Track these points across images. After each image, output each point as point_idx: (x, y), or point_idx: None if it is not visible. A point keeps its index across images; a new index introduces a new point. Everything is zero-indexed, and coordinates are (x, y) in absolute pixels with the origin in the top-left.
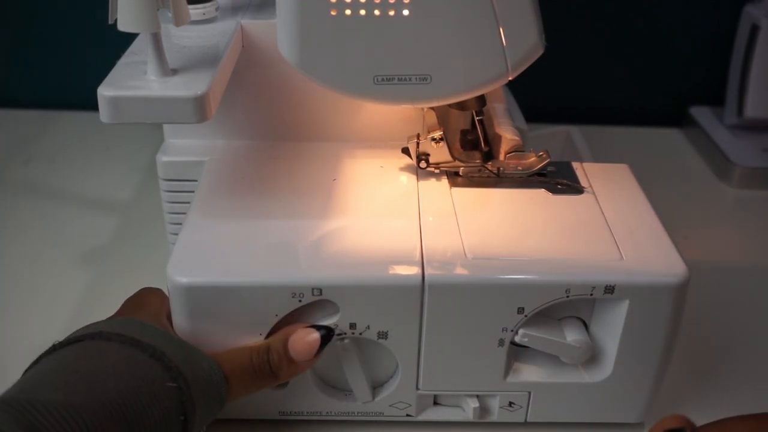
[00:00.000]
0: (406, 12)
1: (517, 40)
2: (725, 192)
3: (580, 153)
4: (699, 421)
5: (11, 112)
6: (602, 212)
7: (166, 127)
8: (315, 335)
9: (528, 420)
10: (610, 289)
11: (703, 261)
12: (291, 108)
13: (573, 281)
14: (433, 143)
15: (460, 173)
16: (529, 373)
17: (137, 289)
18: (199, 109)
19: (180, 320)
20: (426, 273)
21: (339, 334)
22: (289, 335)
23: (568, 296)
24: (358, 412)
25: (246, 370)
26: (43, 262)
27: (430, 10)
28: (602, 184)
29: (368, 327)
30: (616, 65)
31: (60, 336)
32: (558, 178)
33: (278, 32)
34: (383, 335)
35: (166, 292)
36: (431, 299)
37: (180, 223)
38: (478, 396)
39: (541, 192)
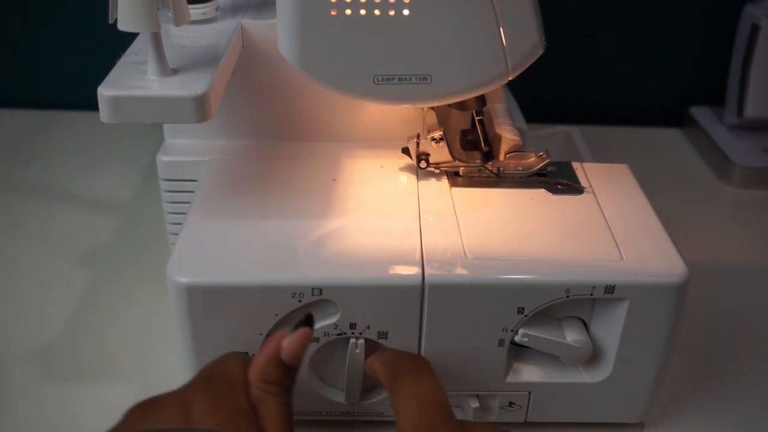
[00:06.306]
0: (406, 12)
1: (517, 40)
2: (725, 192)
3: (580, 153)
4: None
5: (11, 112)
6: (602, 212)
7: (166, 127)
8: (305, 330)
9: (528, 420)
10: (610, 289)
11: (703, 261)
12: (291, 108)
13: (573, 281)
14: (433, 143)
15: (460, 173)
16: (529, 373)
17: (137, 289)
18: (199, 109)
19: (180, 320)
20: (426, 273)
21: (339, 334)
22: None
23: (568, 296)
24: (357, 412)
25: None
26: (43, 262)
27: (430, 10)
28: (602, 184)
29: (368, 327)
30: (616, 65)
31: (59, 336)
32: (558, 178)
33: (278, 32)
34: (383, 335)
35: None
36: (431, 299)
37: (180, 223)
38: (478, 396)
39: (541, 192)
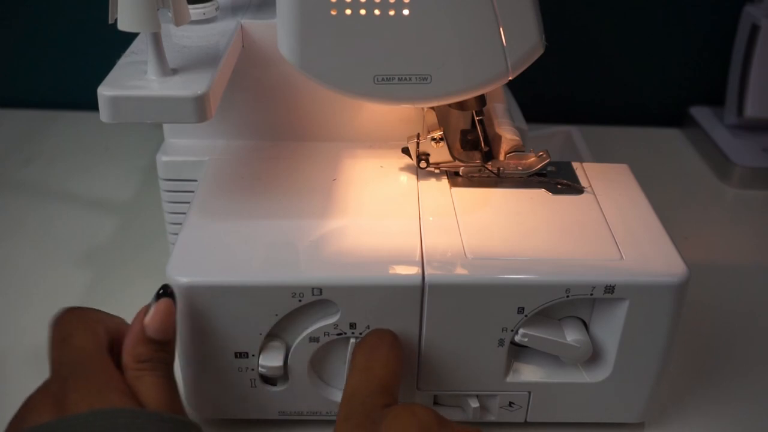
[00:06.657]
0: (406, 12)
1: (517, 40)
2: (725, 192)
3: (580, 153)
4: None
5: (11, 112)
6: (602, 212)
7: (166, 127)
8: (164, 302)
9: (528, 420)
10: (610, 289)
11: (703, 261)
12: (291, 108)
13: (573, 281)
14: (433, 143)
15: (460, 173)
16: (529, 373)
17: (137, 289)
18: (199, 109)
19: (180, 320)
20: (426, 273)
21: (339, 334)
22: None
23: (568, 296)
24: None
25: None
26: (43, 262)
27: (430, 10)
28: (602, 184)
29: (368, 327)
30: (616, 65)
31: None
32: (558, 178)
33: (278, 32)
34: None
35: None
36: (431, 299)
37: (180, 223)
38: (478, 396)
39: (541, 192)
